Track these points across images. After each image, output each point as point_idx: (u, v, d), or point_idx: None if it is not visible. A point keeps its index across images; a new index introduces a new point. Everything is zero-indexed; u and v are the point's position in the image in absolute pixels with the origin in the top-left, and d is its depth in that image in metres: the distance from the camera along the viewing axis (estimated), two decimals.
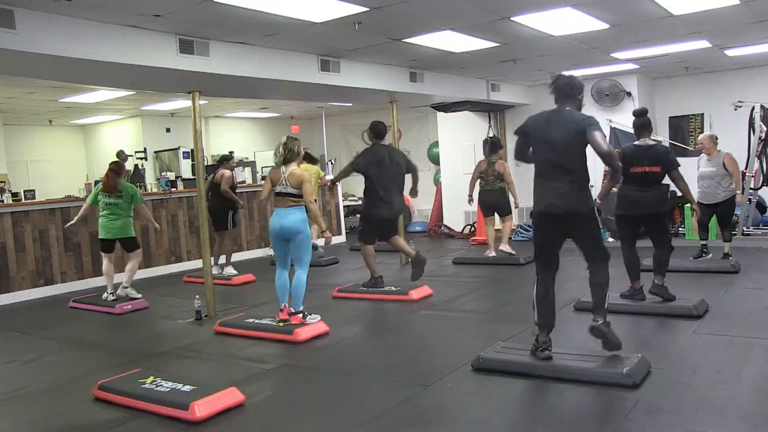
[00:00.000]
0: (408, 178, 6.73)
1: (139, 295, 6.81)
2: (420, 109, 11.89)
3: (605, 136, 3.96)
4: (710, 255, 7.23)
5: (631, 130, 5.68)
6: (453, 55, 7.58)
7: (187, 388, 3.74)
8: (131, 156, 10.83)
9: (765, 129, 8.50)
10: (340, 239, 11.72)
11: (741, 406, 3.27)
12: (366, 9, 5.33)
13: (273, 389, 4.09)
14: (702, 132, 9.67)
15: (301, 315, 5.25)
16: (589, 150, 3.84)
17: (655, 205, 5.27)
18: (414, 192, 6.82)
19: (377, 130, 6.66)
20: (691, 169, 7.44)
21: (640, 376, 3.63)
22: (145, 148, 11.62)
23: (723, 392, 3.46)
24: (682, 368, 3.90)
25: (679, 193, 7.61)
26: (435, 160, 12.89)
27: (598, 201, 5.12)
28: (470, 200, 8.54)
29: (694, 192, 7.37)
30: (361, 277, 7.05)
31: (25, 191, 8.88)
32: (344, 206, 12.63)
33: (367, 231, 6.66)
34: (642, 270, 5.40)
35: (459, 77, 9.37)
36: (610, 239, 9.48)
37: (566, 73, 4.15)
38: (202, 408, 3.48)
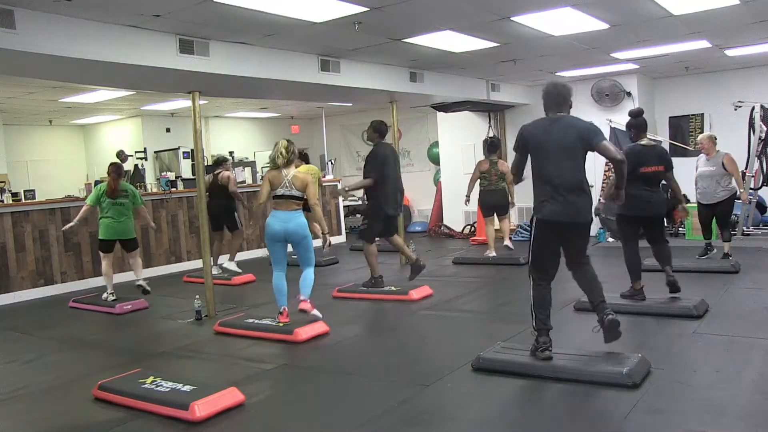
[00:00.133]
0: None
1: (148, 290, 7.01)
2: (420, 109, 11.89)
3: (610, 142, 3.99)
4: (714, 251, 7.27)
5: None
6: (453, 55, 7.58)
7: (187, 388, 3.74)
8: (131, 156, 10.82)
9: (765, 129, 8.51)
10: (340, 239, 11.73)
11: (741, 406, 3.27)
12: (366, 9, 5.33)
13: (273, 389, 4.09)
14: (702, 132, 9.68)
15: (311, 302, 5.28)
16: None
17: (662, 205, 5.35)
18: None
19: (381, 130, 6.69)
20: (691, 169, 7.46)
21: (640, 376, 3.63)
22: (145, 148, 11.61)
23: (723, 392, 3.46)
24: (682, 368, 3.90)
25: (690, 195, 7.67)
26: (435, 160, 12.89)
27: (602, 201, 5.11)
28: (468, 201, 8.46)
29: (693, 192, 7.43)
30: (361, 277, 7.05)
31: (25, 191, 8.88)
32: (344, 206, 12.62)
33: (371, 229, 6.65)
34: (642, 270, 5.40)
35: (459, 77, 9.37)
36: (610, 239, 9.50)
37: (551, 80, 4.16)
38: (202, 408, 3.48)
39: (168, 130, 12.85)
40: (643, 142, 5.33)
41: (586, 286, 4.06)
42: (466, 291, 6.74)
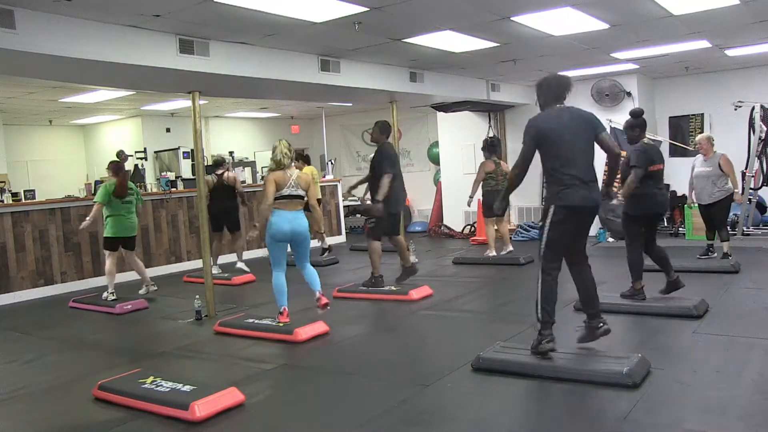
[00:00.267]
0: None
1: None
2: (420, 109, 11.89)
3: None
4: (715, 254, 7.27)
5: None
6: (453, 55, 7.58)
7: (187, 388, 3.74)
8: (131, 156, 10.81)
9: (765, 129, 8.51)
10: (340, 239, 11.72)
11: (741, 406, 3.27)
12: (366, 9, 5.33)
13: (273, 389, 4.09)
14: (702, 132, 9.68)
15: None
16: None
17: (667, 202, 5.42)
18: None
19: (387, 131, 6.78)
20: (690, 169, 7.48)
21: (640, 376, 3.63)
22: (145, 148, 11.61)
23: (723, 392, 3.46)
24: (682, 368, 3.90)
25: (679, 193, 7.69)
26: (435, 160, 12.89)
27: (621, 198, 5.12)
28: (471, 202, 8.44)
29: (689, 193, 7.46)
30: (361, 277, 7.05)
31: (25, 191, 8.88)
32: (344, 206, 12.62)
33: (380, 227, 6.66)
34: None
35: (459, 77, 9.37)
36: (610, 239, 9.50)
37: (549, 72, 4.20)
38: (202, 408, 3.48)
39: (168, 130, 12.85)
40: (647, 140, 5.38)
41: (585, 294, 4.10)
42: (466, 291, 6.74)
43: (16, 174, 11.58)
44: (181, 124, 12.68)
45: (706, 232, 7.46)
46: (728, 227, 7.39)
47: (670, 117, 10.85)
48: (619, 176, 4.87)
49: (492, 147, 8.52)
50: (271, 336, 5.14)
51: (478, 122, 11.66)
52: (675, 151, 10.26)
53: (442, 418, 3.41)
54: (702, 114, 10.54)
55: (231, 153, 12.42)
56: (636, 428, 3.10)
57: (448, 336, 5.14)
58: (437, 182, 12.64)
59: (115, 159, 7.14)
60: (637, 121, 5.37)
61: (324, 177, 11.80)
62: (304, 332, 5.05)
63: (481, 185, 8.39)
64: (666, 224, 9.80)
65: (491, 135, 11.25)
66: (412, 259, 7.39)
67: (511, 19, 6.01)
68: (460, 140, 11.92)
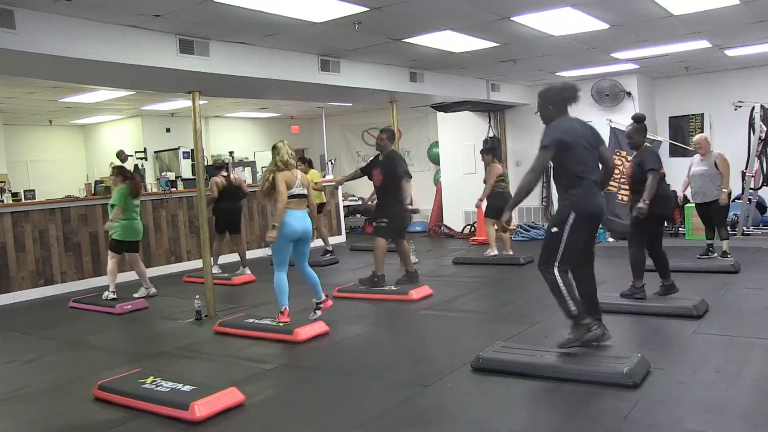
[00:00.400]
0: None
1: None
2: (420, 109, 11.89)
3: None
4: (715, 254, 7.28)
5: None
6: (453, 55, 7.58)
7: (187, 388, 3.74)
8: (131, 156, 10.82)
9: (765, 129, 8.51)
10: (340, 239, 11.72)
11: (741, 406, 3.27)
12: (366, 9, 5.33)
13: (273, 389, 4.09)
14: (702, 132, 9.68)
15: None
16: None
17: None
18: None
19: (393, 138, 6.99)
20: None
21: (640, 376, 3.63)
22: (145, 148, 11.59)
23: (723, 392, 3.46)
24: (682, 368, 3.90)
25: (679, 193, 7.70)
26: (435, 160, 12.89)
27: (647, 202, 5.13)
28: (481, 203, 8.50)
29: (689, 192, 7.47)
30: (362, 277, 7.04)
31: (25, 191, 8.88)
32: (344, 206, 12.62)
33: (389, 227, 6.69)
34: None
35: (459, 77, 9.37)
36: (611, 239, 9.50)
37: (552, 82, 4.32)
38: (202, 408, 3.48)
39: (168, 130, 12.85)
40: (651, 145, 5.45)
41: (587, 299, 4.10)
42: (466, 291, 6.74)
43: (16, 174, 11.58)
44: (181, 124, 12.68)
45: (706, 231, 7.48)
46: (728, 226, 7.41)
47: (670, 117, 10.85)
48: (625, 179, 4.97)
49: (494, 149, 8.56)
50: (271, 336, 5.14)
51: (478, 122, 11.65)
52: (675, 152, 10.26)
53: (442, 418, 3.41)
54: (702, 114, 10.54)
55: (231, 153, 12.42)
56: (636, 428, 3.10)
57: (448, 336, 5.14)
58: (437, 182, 12.65)
59: (119, 164, 7.20)
60: (640, 126, 5.44)
61: (324, 177, 11.79)
62: (304, 332, 5.05)
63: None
64: (666, 224, 9.79)
65: (491, 135, 11.26)
66: (412, 259, 7.40)
67: (511, 19, 6.01)
68: (460, 140, 11.92)
